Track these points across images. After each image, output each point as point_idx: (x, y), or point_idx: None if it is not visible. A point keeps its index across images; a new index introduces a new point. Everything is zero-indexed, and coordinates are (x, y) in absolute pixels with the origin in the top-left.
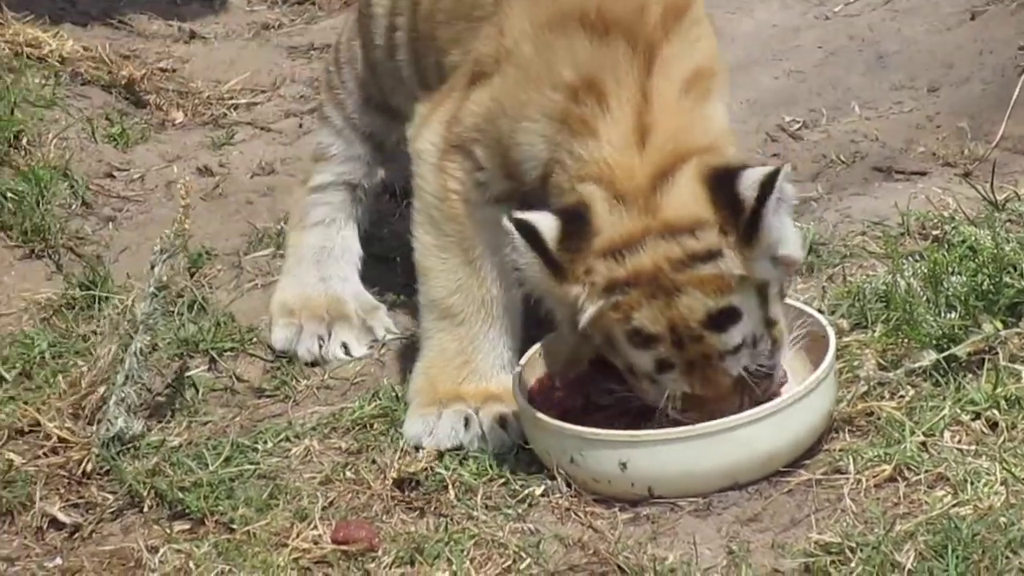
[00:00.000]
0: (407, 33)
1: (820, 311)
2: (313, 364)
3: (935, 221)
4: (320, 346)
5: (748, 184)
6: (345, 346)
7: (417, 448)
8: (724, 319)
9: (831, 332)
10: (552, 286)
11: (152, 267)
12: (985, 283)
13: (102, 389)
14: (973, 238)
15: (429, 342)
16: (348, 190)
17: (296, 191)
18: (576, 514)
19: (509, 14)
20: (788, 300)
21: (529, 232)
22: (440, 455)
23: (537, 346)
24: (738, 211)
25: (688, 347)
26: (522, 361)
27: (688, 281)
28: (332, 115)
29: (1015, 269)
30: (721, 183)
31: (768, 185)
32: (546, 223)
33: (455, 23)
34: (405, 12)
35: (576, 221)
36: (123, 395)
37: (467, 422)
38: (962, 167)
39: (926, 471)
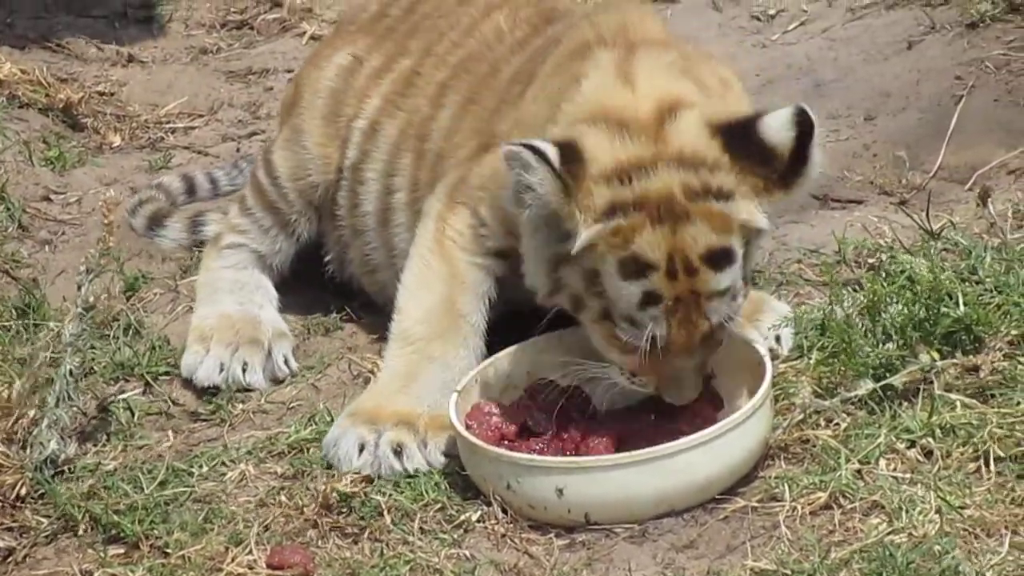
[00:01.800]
0: (408, 192)
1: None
2: (214, 389)
3: (871, 249)
4: (221, 370)
5: (777, 127)
6: (245, 366)
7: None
8: (721, 258)
9: (767, 359)
10: (562, 203)
11: (79, 287)
12: (922, 312)
13: (33, 412)
14: (910, 267)
15: (384, 367)
16: (262, 259)
17: (207, 248)
18: (512, 540)
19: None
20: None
21: (536, 151)
22: (371, 479)
23: (474, 372)
24: (767, 157)
25: (680, 280)
26: (459, 387)
27: (699, 212)
28: (261, 216)
29: (951, 298)
30: (734, 132)
31: (804, 122)
32: (546, 146)
33: (474, 139)
34: (407, 168)
35: (568, 151)
36: (55, 417)
37: (361, 448)
38: (899, 196)
39: (861, 499)
